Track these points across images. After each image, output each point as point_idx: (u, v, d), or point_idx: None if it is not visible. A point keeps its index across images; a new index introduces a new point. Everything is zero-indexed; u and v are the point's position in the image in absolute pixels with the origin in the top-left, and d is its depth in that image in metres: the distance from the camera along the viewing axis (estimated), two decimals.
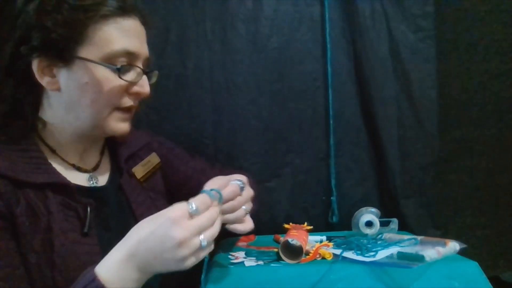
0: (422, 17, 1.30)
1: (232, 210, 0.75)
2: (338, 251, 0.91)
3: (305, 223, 1.10)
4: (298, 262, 0.86)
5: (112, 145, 0.85)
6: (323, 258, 0.90)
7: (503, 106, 1.38)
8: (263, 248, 1.01)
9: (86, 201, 0.71)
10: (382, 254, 0.88)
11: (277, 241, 1.10)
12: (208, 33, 1.27)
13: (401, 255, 0.86)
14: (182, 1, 1.26)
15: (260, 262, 0.88)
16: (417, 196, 1.31)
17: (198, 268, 0.66)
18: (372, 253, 0.89)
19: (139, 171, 0.85)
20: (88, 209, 0.70)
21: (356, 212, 1.10)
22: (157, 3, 1.24)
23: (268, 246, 1.02)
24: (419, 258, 0.82)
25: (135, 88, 0.73)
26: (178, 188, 0.94)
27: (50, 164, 0.71)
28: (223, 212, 0.72)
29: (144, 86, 0.74)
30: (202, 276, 0.75)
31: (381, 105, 1.29)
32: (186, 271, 0.60)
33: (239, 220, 0.79)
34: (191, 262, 0.59)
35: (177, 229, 0.57)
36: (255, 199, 0.87)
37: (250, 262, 0.88)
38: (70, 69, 0.68)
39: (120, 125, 0.74)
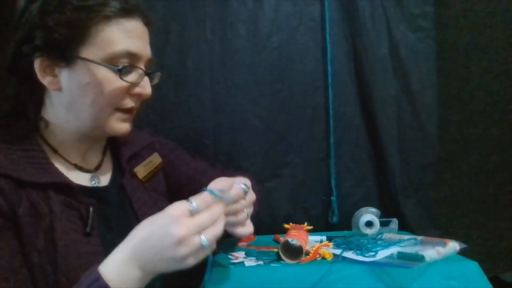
0: (422, 17, 1.30)
1: (235, 213, 0.75)
2: (338, 251, 0.91)
3: (305, 223, 1.10)
4: (298, 262, 0.86)
5: (114, 145, 0.85)
6: (323, 258, 0.90)
7: (503, 106, 1.38)
8: (263, 248, 1.01)
9: (88, 201, 0.71)
10: (382, 254, 0.88)
11: (277, 241, 1.10)
12: (208, 33, 1.27)
13: (401, 255, 0.86)
14: (182, 1, 1.26)
15: (260, 262, 0.88)
16: (417, 196, 1.31)
17: (200, 268, 0.66)
18: (372, 253, 0.88)
19: (141, 171, 0.86)
20: (91, 209, 0.71)
21: (356, 212, 1.10)
22: (157, 3, 1.24)
23: (268, 246, 1.02)
24: (419, 258, 0.82)
25: (137, 89, 0.73)
26: (179, 188, 0.94)
27: (53, 164, 0.71)
28: (225, 215, 0.71)
29: (145, 87, 0.74)
30: (206, 277, 0.74)
31: (381, 105, 1.29)
32: (188, 272, 0.59)
33: (240, 224, 0.79)
34: (191, 261, 0.59)
35: (176, 226, 0.57)
36: (256, 202, 0.86)
37: (250, 262, 0.88)
38: (71, 69, 0.68)
39: (120, 126, 0.74)
